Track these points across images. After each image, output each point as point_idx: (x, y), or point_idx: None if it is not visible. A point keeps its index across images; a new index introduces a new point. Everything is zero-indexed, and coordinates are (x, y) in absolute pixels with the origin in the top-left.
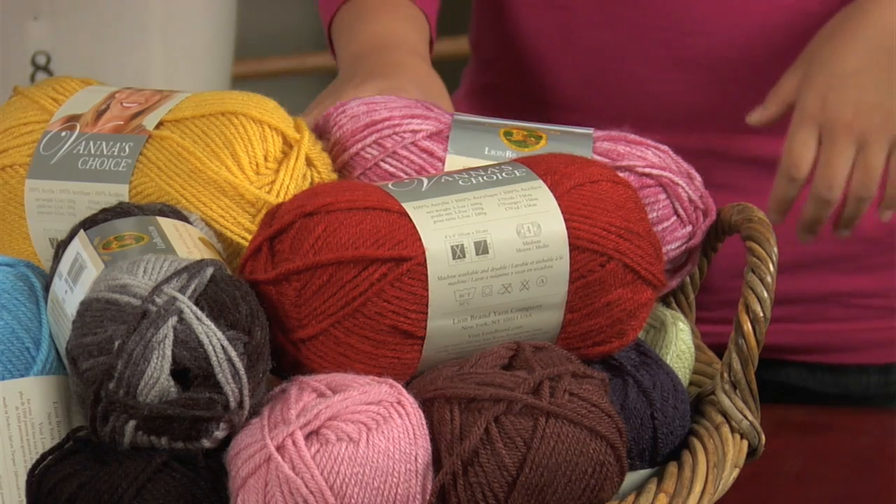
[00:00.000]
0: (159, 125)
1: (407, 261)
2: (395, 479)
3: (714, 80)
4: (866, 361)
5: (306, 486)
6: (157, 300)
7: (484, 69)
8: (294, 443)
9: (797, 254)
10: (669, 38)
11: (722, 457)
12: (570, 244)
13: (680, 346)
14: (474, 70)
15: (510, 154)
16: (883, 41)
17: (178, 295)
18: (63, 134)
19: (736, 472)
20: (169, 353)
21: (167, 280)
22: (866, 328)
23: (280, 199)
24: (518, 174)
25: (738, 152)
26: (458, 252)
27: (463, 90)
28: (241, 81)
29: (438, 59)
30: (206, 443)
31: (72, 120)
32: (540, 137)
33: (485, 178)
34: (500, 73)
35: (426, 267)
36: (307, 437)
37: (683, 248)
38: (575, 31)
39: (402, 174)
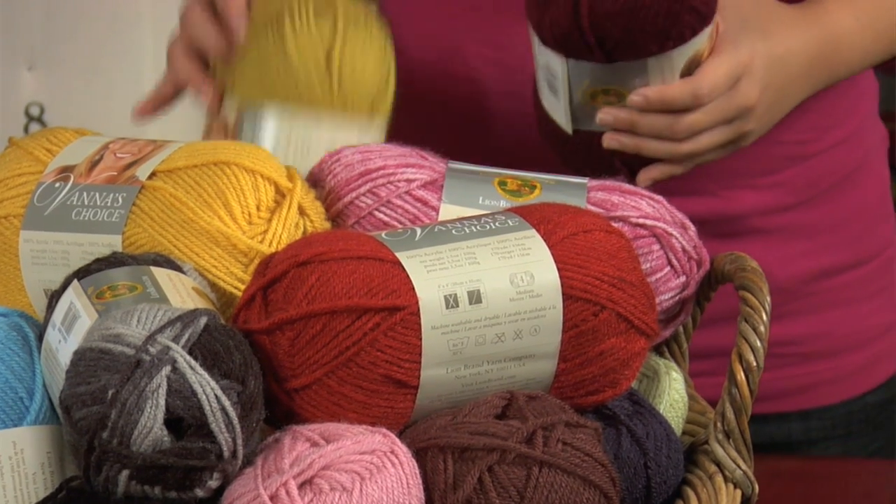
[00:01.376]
0: (152, 175)
1: (400, 310)
2: None
3: None
4: (785, 409)
5: None
6: (151, 349)
7: None
8: (288, 492)
9: (712, 309)
10: None
11: None
12: (564, 293)
13: (673, 395)
14: None
15: (504, 203)
16: (824, 51)
17: (172, 344)
18: (57, 185)
19: None
20: (163, 402)
21: (161, 329)
22: (784, 376)
23: (273, 249)
24: (511, 223)
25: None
26: (451, 301)
27: None
28: None
29: None
30: (200, 492)
31: (66, 171)
32: (534, 187)
33: (478, 227)
34: None
35: (419, 316)
36: (301, 486)
37: (677, 298)
38: (477, 102)
39: (396, 223)
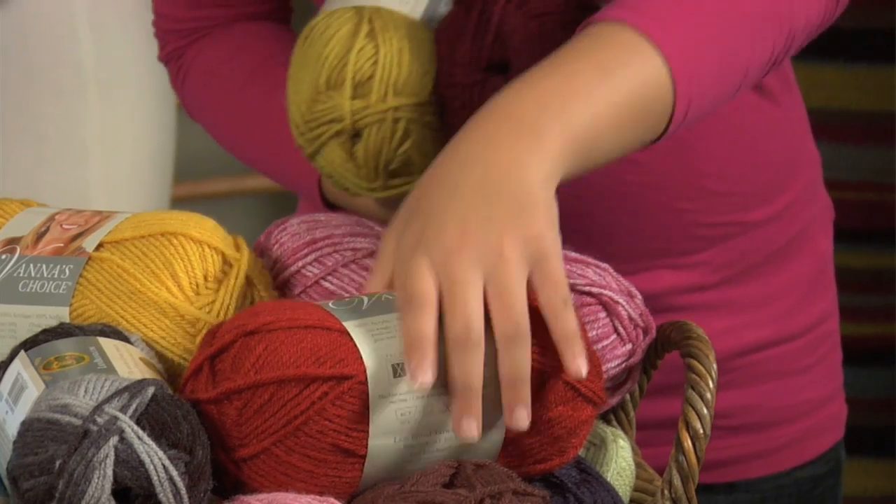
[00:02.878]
0: (99, 247)
1: (348, 379)
2: None
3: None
4: (710, 481)
5: None
6: (99, 420)
7: None
8: None
9: (659, 379)
10: None
11: None
12: None
13: (620, 463)
14: None
15: None
16: (487, 178)
17: (120, 414)
18: (3, 257)
19: None
20: (110, 472)
21: (108, 400)
22: (712, 448)
23: (220, 319)
24: None
25: None
26: (398, 370)
27: None
28: (180, 203)
29: None
30: None
31: (12, 243)
32: None
33: None
34: None
35: (367, 385)
36: None
37: (624, 365)
38: None
39: (342, 292)
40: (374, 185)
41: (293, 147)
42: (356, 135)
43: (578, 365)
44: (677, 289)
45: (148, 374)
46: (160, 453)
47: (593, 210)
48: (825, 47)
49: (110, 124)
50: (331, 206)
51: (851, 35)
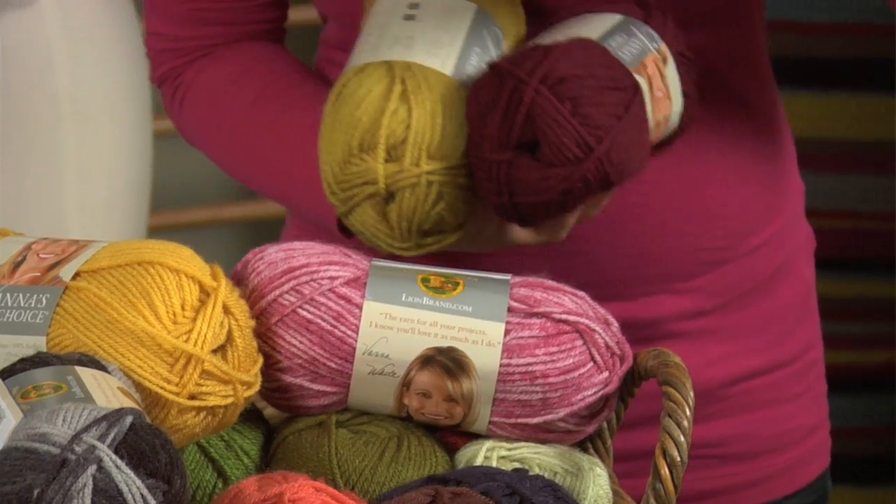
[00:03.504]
0: (76, 276)
1: None
2: None
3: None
4: None
5: None
6: (77, 449)
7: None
8: None
9: (633, 412)
10: None
11: None
12: None
13: (598, 491)
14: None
15: (427, 300)
16: None
17: (98, 443)
18: None
19: None
20: (88, 501)
21: (86, 429)
22: (703, 477)
23: (198, 348)
24: None
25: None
26: None
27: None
28: (157, 232)
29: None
30: None
31: None
32: (457, 284)
33: None
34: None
35: None
36: None
37: (600, 394)
38: None
39: (319, 320)
40: (407, 245)
41: (307, 166)
42: (390, 197)
43: None
44: (677, 315)
45: (126, 403)
46: (138, 482)
47: (600, 233)
48: (824, 77)
49: (87, 154)
50: (346, 231)
51: (852, 64)
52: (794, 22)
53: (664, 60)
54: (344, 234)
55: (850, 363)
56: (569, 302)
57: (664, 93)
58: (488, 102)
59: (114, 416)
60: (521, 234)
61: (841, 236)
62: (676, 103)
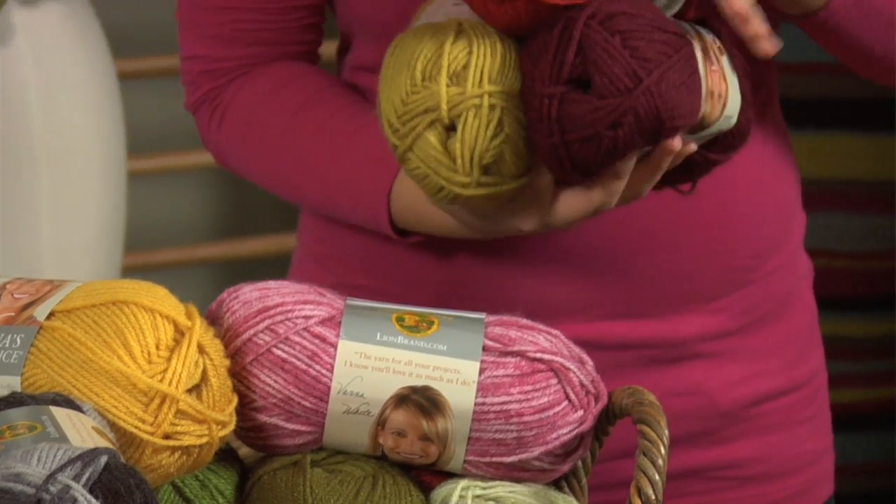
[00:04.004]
0: (50, 316)
1: None
2: None
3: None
4: None
5: None
6: (52, 489)
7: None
8: None
9: (609, 444)
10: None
11: None
12: None
13: None
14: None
15: (402, 339)
16: None
17: (73, 483)
18: None
19: None
20: None
21: (61, 468)
22: (726, 499)
23: (172, 387)
24: None
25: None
26: None
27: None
28: (131, 272)
29: None
30: None
31: None
32: (432, 322)
33: None
34: None
35: None
36: None
37: (575, 432)
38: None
39: (294, 360)
40: (468, 181)
41: (358, 169)
42: (451, 128)
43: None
44: (701, 335)
45: (101, 442)
46: None
47: (637, 249)
48: (828, 117)
49: (61, 194)
50: (399, 232)
51: (847, 104)
52: (791, 63)
53: (720, 50)
54: (398, 235)
55: (852, 402)
56: (543, 340)
57: (720, 72)
58: (540, 44)
59: (88, 456)
60: (571, 202)
61: (841, 275)
62: (734, 91)
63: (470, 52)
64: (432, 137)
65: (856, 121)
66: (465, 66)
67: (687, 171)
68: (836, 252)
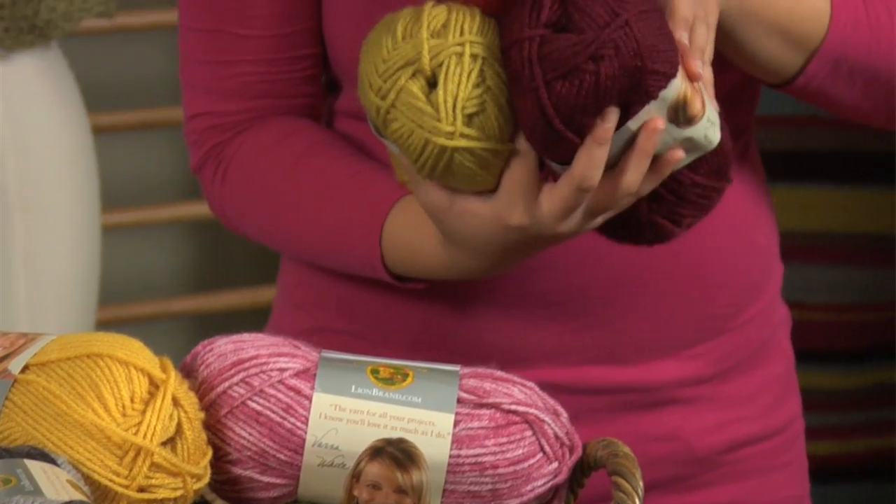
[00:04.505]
0: (25, 369)
1: None
2: None
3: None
4: None
5: None
6: None
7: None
8: None
9: (586, 494)
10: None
11: None
12: None
13: None
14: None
15: (377, 392)
16: None
17: None
18: None
19: None
20: None
21: None
22: None
23: (147, 440)
24: None
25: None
26: None
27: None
28: (106, 326)
29: None
30: None
31: None
32: (407, 375)
33: None
34: None
35: None
36: None
37: (550, 484)
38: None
39: (269, 412)
40: (452, 129)
41: (351, 214)
42: (433, 84)
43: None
44: (679, 381)
45: (75, 496)
46: None
47: (614, 295)
48: (803, 170)
49: (35, 247)
50: (396, 277)
51: (828, 157)
52: (765, 116)
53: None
54: (394, 280)
55: (827, 454)
56: (518, 392)
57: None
58: (516, 2)
59: None
60: (553, 190)
61: (815, 328)
62: (711, 106)
63: (449, 12)
64: (415, 88)
65: (831, 173)
66: (445, 24)
67: (678, 201)
68: (810, 304)
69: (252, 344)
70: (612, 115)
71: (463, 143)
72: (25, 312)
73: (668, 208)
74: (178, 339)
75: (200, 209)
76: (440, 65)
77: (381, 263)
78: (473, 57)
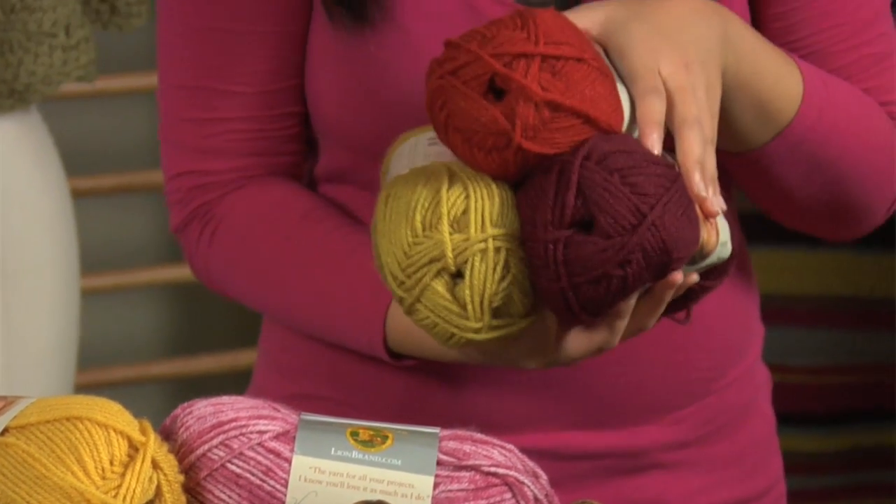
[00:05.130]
0: (4, 432)
1: None
2: None
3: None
4: None
5: None
6: None
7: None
8: None
9: None
10: None
11: None
12: None
13: None
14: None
15: (356, 454)
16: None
17: None
18: None
19: None
20: None
21: None
22: None
23: (127, 503)
24: None
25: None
26: None
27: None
28: (85, 390)
29: None
30: None
31: None
32: (386, 437)
33: None
34: None
35: None
36: None
37: None
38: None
39: (249, 475)
40: (479, 326)
41: (354, 290)
42: (458, 275)
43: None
44: (661, 445)
45: None
46: None
47: (596, 361)
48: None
49: (14, 311)
50: (395, 355)
51: None
52: None
53: None
54: (392, 358)
55: None
56: (498, 455)
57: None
58: (537, 189)
59: None
60: (576, 342)
61: (796, 390)
62: (723, 228)
63: (468, 197)
64: (440, 287)
65: (805, 236)
66: (465, 212)
67: (682, 299)
68: (787, 367)
69: (231, 406)
70: (635, 295)
71: (491, 335)
72: (4, 376)
73: (671, 307)
74: (158, 402)
75: (179, 272)
76: (465, 262)
77: (384, 346)
78: (497, 250)
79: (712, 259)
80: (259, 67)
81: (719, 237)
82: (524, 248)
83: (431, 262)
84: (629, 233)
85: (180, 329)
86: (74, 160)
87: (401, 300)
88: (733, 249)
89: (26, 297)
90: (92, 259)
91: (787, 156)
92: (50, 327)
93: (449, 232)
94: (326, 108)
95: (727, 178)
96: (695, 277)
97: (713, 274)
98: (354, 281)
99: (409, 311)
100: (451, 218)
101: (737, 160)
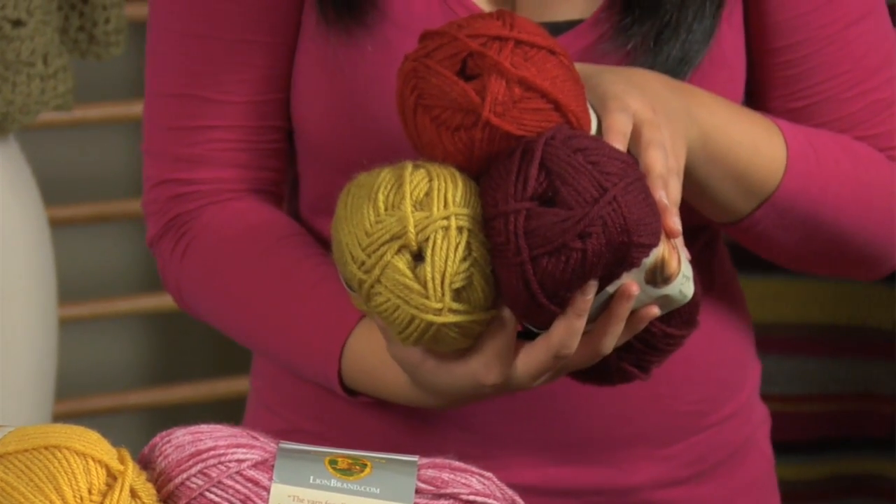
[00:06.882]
0: None
1: None
2: None
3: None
4: None
5: None
6: None
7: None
8: None
9: None
10: None
11: None
12: None
13: None
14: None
15: (335, 483)
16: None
17: None
18: None
19: None
20: None
21: None
22: None
23: None
24: None
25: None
26: None
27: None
28: (63, 419)
29: None
30: None
31: None
32: (365, 465)
33: None
34: None
35: None
36: None
37: None
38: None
39: (227, 503)
40: (440, 306)
41: (313, 322)
42: (418, 257)
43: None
44: (651, 482)
45: None
46: None
47: (579, 392)
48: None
49: None
50: (349, 392)
51: None
52: None
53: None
54: (346, 394)
55: None
56: (476, 483)
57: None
58: (500, 168)
59: None
60: (529, 352)
61: (793, 419)
62: (685, 262)
63: (431, 180)
64: (400, 264)
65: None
66: (428, 193)
67: (647, 350)
68: (767, 395)
69: (210, 435)
70: (593, 287)
71: (451, 318)
72: None
73: (637, 357)
74: (136, 431)
75: (157, 301)
76: (426, 239)
77: (338, 381)
78: (459, 230)
79: (674, 289)
80: (247, 77)
81: (681, 266)
82: (487, 232)
83: (393, 238)
84: (590, 204)
85: (158, 358)
86: (52, 189)
87: (361, 283)
88: (696, 295)
89: (4, 326)
90: (70, 288)
91: (779, 221)
92: (28, 356)
93: (411, 210)
94: (312, 120)
95: (710, 232)
96: (655, 311)
97: (677, 320)
98: (316, 312)
99: (369, 295)
100: (414, 199)
101: (731, 229)
